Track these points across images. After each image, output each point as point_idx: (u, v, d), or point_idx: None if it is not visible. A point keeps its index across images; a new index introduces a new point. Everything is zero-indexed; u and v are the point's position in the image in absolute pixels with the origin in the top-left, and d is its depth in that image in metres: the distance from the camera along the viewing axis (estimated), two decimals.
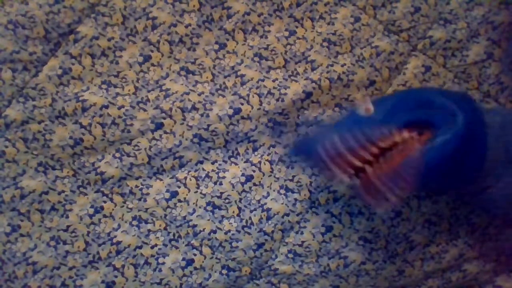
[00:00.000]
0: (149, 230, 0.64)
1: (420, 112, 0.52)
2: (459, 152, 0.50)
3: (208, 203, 0.64)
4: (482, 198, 0.57)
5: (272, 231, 0.65)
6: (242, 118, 0.64)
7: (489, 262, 0.69)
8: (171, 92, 0.64)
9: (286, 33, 0.65)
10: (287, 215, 0.65)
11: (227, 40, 0.65)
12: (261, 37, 0.65)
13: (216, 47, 0.65)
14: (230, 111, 0.64)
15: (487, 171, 0.53)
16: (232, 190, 0.64)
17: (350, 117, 0.56)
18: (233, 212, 0.64)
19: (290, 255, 0.65)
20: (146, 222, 0.64)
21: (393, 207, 0.49)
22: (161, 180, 0.64)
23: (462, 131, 0.50)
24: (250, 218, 0.64)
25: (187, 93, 0.64)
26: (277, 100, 0.64)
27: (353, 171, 0.50)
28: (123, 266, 0.63)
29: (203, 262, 0.65)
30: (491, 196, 0.55)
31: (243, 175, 0.64)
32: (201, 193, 0.64)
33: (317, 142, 0.53)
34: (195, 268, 0.65)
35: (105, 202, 0.63)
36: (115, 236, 0.63)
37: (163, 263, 0.64)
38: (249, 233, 0.64)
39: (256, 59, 0.65)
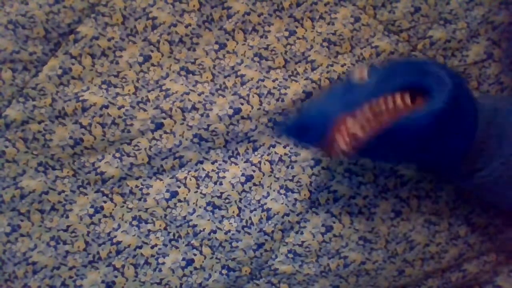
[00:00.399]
0: (149, 230, 0.64)
1: (413, 78, 0.51)
2: (445, 117, 0.49)
3: (208, 203, 0.64)
4: (475, 181, 0.56)
5: (272, 231, 0.65)
6: (242, 118, 0.64)
7: (489, 262, 0.69)
8: (171, 92, 0.64)
9: (286, 33, 0.65)
10: (287, 215, 0.65)
11: (227, 40, 0.65)
12: (261, 37, 0.65)
13: (216, 47, 0.65)
14: (230, 111, 0.64)
15: (478, 152, 0.52)
16: (232, 190, 0.64)
17: (342, 87, 0.55)
18: (233, 212, 0.64)
19: (290, 255, 0.65)
20: (146, 222, 0.64)
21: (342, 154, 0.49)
22: (161, 180, 0.64)
23: (450, 96, 0.49)
24: (250, 218, 0.64)
25: (187, 93, 0.64)
26: (277, 100, 0.64)
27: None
28: (123, 266, 0.64)
29: (203, 262, 0.65)
30: (484, 179, 0.55)
31: (243, 175, 0.64)
32: (201, 193, 0.64)
33: (315, 117, 0.52)
34: (195, 268, 0.65)
35: (105, 202, 0.63)
36: (115, 236, 0.63)
37: (163, 263, 0.64)
38: (249, 233, 0.64)
39: (256, 59, 0.65)
